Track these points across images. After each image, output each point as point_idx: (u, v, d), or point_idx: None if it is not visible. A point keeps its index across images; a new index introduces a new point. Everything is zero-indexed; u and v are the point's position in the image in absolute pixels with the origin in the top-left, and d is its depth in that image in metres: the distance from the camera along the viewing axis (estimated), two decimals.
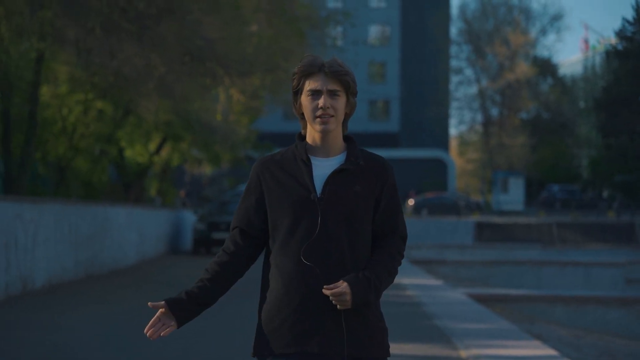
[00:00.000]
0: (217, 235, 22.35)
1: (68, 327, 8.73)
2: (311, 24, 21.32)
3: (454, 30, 61.08)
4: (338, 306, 2.57)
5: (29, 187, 16.65)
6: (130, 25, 12.72)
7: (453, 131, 69.92)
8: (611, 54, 50.41)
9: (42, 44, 12.89)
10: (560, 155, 60.04)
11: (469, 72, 59.61)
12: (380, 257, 2.67)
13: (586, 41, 77.49)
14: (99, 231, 16.04)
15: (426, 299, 12.42)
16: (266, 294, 2.69)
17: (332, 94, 2.66)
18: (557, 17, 60.85)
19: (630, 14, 52.84)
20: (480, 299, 13.73)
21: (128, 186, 23.95)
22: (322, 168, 2.68)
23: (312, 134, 2.71)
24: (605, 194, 56.01)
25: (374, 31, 61.26)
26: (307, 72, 2.67)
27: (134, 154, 24.11)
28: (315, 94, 2.67)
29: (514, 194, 49.82)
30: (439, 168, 57.22)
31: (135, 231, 19.26)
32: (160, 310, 2.66)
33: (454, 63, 59.98)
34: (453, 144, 69.69)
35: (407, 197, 48.67)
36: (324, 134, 2.68)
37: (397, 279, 15.34)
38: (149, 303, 2.67)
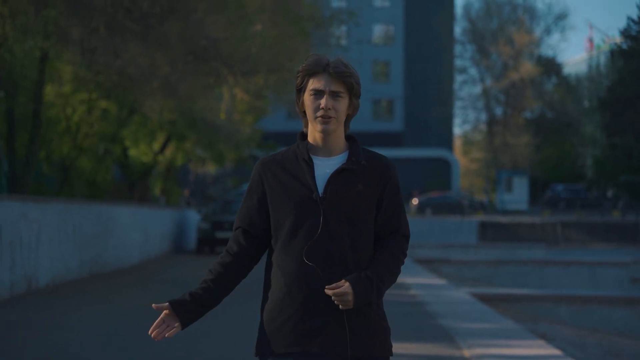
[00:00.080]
0: (221, 234, 22.36)
1: (70, 326, 8.74)
2: (315, 24, 21.32)
3: (458, 29, 61.05)
4: (340, 306, 2.58)
5: (33, 187, 16.67)
6: (134, 24, 12.73)
7: (457, 130, 70.00)
8: (616, 53, 50.33)
9: (46, 43, 12.91)
10: (565, 155, 59.96)
11: (473, 71, 59.56)
12: (383, 256, 2.67)
13: (591, 40, 77.37)
14: (103, 230, 16.06)
15: (430, 298, 12.41)
16: (268, 294, 2.69)
17: (334, 95, 2.66)
18: (561, 17, 60.77)
19: (635, 13, 52.71)
20: (484, 299, 13.72)
21: (132, 185, 23.98)
22: (324, 167, 2.67)
23: (314, 134, 2.71)
24: (609, 193, 55.92)
25: (378, 30, 61.24)
26: (312, 71, 2.67)
27: (138, 153, 24.14)
28: (317, 93, 2.67)
29: (518, 194, 49.76)
30: (443, 167, 57.18)
31: (139, 230, 19.28)
32: (165, 311, 2.66)
33: (458, 62, 59.93)
34: (457, 143, 69.64)
35: (411, 196, 48.65)
36: (324, 134, 2.68)
37: (401, 278, 15.32)
38: (153, 305, 2.67)
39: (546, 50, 62.64)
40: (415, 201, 46.05)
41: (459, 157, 64.48)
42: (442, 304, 11.56)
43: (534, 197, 56.33)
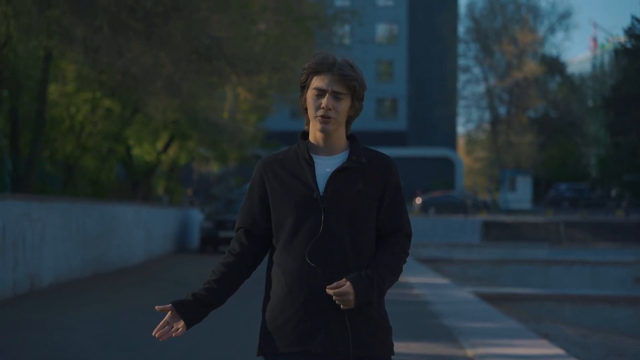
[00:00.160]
0: (224, 233, 22.37)
1: (71, 326, 8.73)
2: (319, 23, 21.31)
3: (461, 28, 61.01)
4: (341, 306, 2.58)
5: (37, 186, 16.69)
6: (138, 23, 12.74)
7: (461, 130, 69.84)
8: (620, 52, 50.25)
9: (50, 42, 12.92)
10: (569, 154, 59.89)
11: (476, 70, 59.50)
12: (384, 256, 2.67)
13: (595, 39, 77.27)
14: (107, 230, 16.08)
15: (433, 297, 12.41)
16: (270, 293, 2.69)
17: (336, 95, 2.66)
18: (565, 15, 60.69)
19: (639, 12, 52.51)
20: (487, 298, 13.71)
21: (136, 184, 24.00)
22: (325, 166, 2.68)
23: (315, 133, 2.71)
24: (613, 192, 55.85)
25: (382, 30, 61.21)
26: (317, 70, 2.68)
27: (142, 152, 24.17)
28: (320, 92, 2.67)
29: (521, 193, 49.73)
30: (447, 167, 57.15)
31: (142, 230, 19.30)
32: (168, 313, 2.66)
33: (461, 61, 59.88)
34: (461, 142, 69.59)
35: (414, 196, 48.63)
36: (324, 133, 2.68)
37: (404, 278, 15.32)
38: (156, 307, 2.67)
39: (550, 49, 62.62)
40: (418, 200, 46.04)
41: (463, 156, 64.43)
42: (445, 304, 11.56)
43: (538, 196, 56.28)
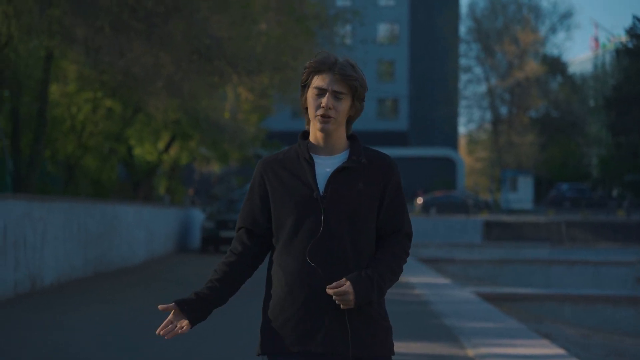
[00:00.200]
0: (225, 233, 22.38)
1: (71, 326, 8.72)
2: (320, 23, 21.31)
3: (463, 28, 60.99)
4: (341, 306, 2.57)
5: (38, 186, 16.70)
6: (139, 24, 12.74)
7: (462, 130, 69.90)
8: (621, 52, 50.23)
9: (51, 42, 12.92)
10: (570, 154, 59.87)
11: (478, 70, 59.49)
12: (384, 255, 2.66)
13: (596, 39, 77.23)
14: (108, 229, 16.08)
15: (434, 297, 12.40)
16: (270, 293, 2.69)
17: (336, 95, 2.66)
18: (566, 15, 60.66)
19: None
20: (489, 298, 13.70)
21: (137, 184, 24.01)
22: (325, 166, 2.67)
23: (315, 132, 2.71)
24: (615, 192, 55.82)
25: (383, 29, 61.20)
26: (317, 69, 2.67)
27: (143, 152, 24.17)
28: (320, 92, 2.67)
29: (523, 193, 49.72)
30: (448, 167, 57.13)
31: (143, 229, 19.31)
32: (172, 312, 2.66)
33: (463, 61, 59.86)
34: (462, 142, 69.58)
35: (415, 196, 48.63)
36: (324, 133, 2.68)
37: (405, 278, 15.32)
38: (159, 306, 2.67)
39: (551, 49, 62.60)
40: (420, 200, 46.02)
41: (464, 156, 64.42)
42: (446, 303, 11.56)
43: (539, 196, 56.25)
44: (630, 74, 47.81)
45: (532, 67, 56.26)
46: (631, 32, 48.54)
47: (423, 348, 7.69)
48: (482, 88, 59.27)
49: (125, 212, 17.69)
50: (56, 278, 12.94)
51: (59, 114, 18.35)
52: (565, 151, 59.37)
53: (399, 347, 7.38)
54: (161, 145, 24.38)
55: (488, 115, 59.58)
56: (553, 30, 60.46)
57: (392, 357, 2.71)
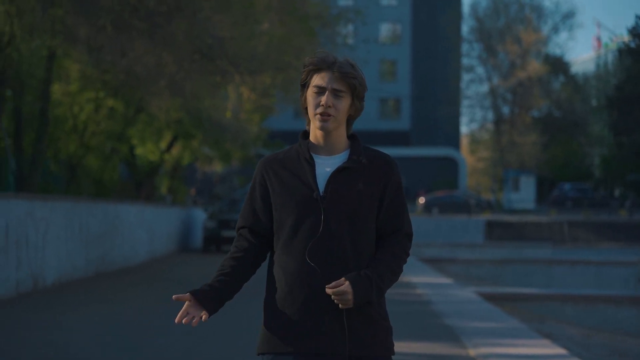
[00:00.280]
0: (227, 233, 22.39)
1: (71, 326, 8.69)
2: (322, 23, 21.32)
3: (465, 28, 60.95)
4: (340, 305, 2.58)
5: (41, 185, 16.72)
6: (141, 23, 12.75)
7: (464, 129, 69.93)
8: (624, 51, 50.18)
9: (53, 41, 12.94)
10: (572, 154, 59.82)
11: (480, 70, 59.45)
12: (384, 255, 2.66)
13: (598, 39, 77.16)
14: (110, 229, 16.09)
15: (435, 297, 12.40)
16: (270, 293, 2.69)
17: (336, 93, 2.66)
18: (569, 15, 60.63)
19: None
20: (490, 298, 13.70)
21: (139, 184, 24.03)
22: (325, 166, 2.68)
23: (315, 132, 2.71)
24: (617, 192, 55.78)
25: (385, 29, 61.19)
26: (317, 68, 2.68)
27: (145, 152, 24.19)
28: (319, 90, 2.67)
29: (525, 193, 49.68)
30: (450, 166, 57.11)
31: (145, 229, 19.32)
32: (186, 303, 2.63)
33: (465, 61, 59.83)
34: (464, 142, 69.54)
35: (417, 195, 48.62)
36: (324, 132, 2.68)
37: (407, 277, 15.32)
38: (173, 296, 2.63)
39: (554, 49, 62.55)
40: (422, 200, 46.02)
41: (466, 156, 64.39)
42: (448, 303, 11.55)
43: (541, 196, 56.22)
44: (633, 74, 47.76)
45: (535, 66, 56.22)
46: (634, 31, 48.49)
47: (424, 348, 7.69)
48: (484, 88, 59.26)
49: (127, 211, 17.70)
50: (58, 277, 12.95)
51: (61, 114, 18.37)
52: (568, 151, 59.33)
53: (401, 346, 7.38)
54: (163, 144, 24.39)
55: (490, 115, 59.56)
56: (555, 29, 60.43)
57: (392, 357, 2.71)
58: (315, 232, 2.61)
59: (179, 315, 2.62)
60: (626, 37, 51.34)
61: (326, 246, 2.61)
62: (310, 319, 2.60)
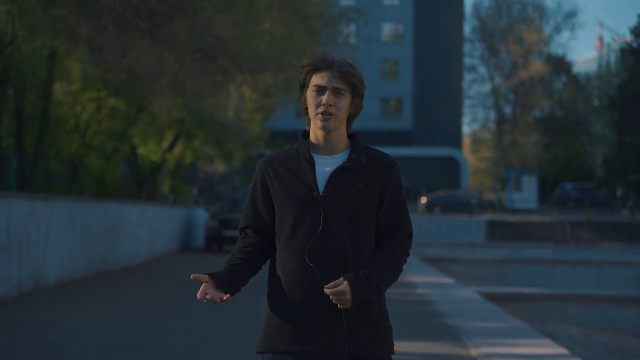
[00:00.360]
0: (228, 232, 22.40)
1: (74, 326, 8.68)
2: (324, 22, 21.29)
3: (467, 28, 60.96)
4: (338, 305, 2.57)
5: (42, 185, 16.73)
6: (142, 22, 12.75)
7: (466, 129, 69.90)
8: (626, 51, 50.16)
9: (55, 41, 12.95)
10: (574, 154, 59.79)
11: (482, 70, 59.46)
12: (383, 255, 2.66)
13: (601, 39, 77.10)
14: (112, 228, 16.10)
15: (437, 297, 12.39)
16: (271, 292, 2.70)
17: (336, 92, 2.66)
18: (571, 15, 60.62)
19: None
20: (492, 298, 13.69)
21: (141, 184, 24.04)
22: (325, 166, 2.68)
23: (315, 131, 2.71)
24: (619, 192, 55.73)
25: (387, 29, 61.18)
26: (316, 68, 2.68)
27: (147, 151, 24.20)
28: (320, 90, 2.67)
29: (527, 192, 49.65)
30: (452, 166, 57.11)
31: (147, 228, 19.33)
32: (203, 284, 2.61)
33: (467, 61, 59.83)
34: (466, 142, 69.54)
35: (419, 195, 48.62)
36: (325, 131, 2.68)
37: (409, 277, 15.32)
38: (191, 276, 2.61)
39: (556, 49, 62.61)
40: (423, 200, 46.02)
41: (468, 155, 64.38)
42: (450, 303, 11.55)
43: (543, 196, 56.19)
44: (635, 74, 47.74)
45: (537, 66, 56.21)
46: (636, 31, 48.45)
47: (426, 347, 7.69)
48: (486, 87, 59.28)
49: (129, 211, 17.71)
50: (59, 277, 12.96)
51: (63, 113, 18.38)
52: (570, 151, 59.30)
53: (402, 346, 7.37)
54: (165, 144, 24.40)
55: (492, 115, 59.56)
56: (557, 29, 60.41)
57: (392, 356, 2.71)
58: (315, 232, 2.61)
59: (199, 292, 2.59)
60: (628, 37, 51.31)
61: (326, 246, 2.61)
62: (310, 318, 2.60)
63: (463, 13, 63.15)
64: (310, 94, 2.69)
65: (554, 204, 49.31)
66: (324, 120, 2.66)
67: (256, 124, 25.70)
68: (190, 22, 13.35)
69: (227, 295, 2.59)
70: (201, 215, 26.46)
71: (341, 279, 2.57)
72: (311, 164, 2.67)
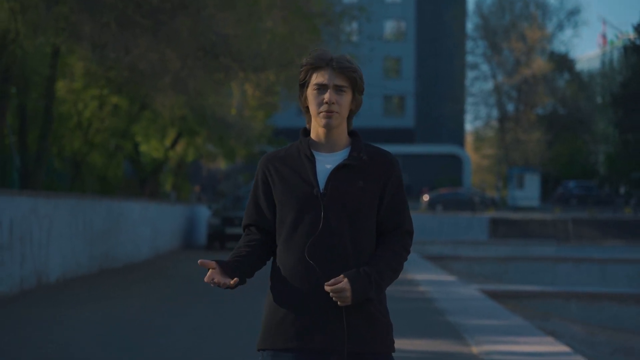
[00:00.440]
0: (231, 230, 22.41)
1: (74, 325, 8.65)
2: (326, 20, 21.27)
3: (470, 25, 60.85)
4: (339, 303, 2.58)
5: (45, 182, 16.75)
6: (144, 20, 12.76)
7: (468, 127, 69.75)
8: (629, 49, 50.07)
9: (57, 39, 12.96)
10: (577, 151, 59.72)
11: (485, 67, 59.35)
12: (384, 253, 2.66)
13: (604, 36, 76.96)
14: (114, 226, 16.12)
15: (439, 294, 12.39)
16: (272, 289, 2.70)
17: (338, 89, 2.66)
18: (574, 12, 60.45)
19: None
20: (494, 295, 13.68)
21: (143, 181, 24.06)
22: (326, 163, 2.68)
23: (316, 129, 2.71)
24: (622, 190, 55.65)
25: (390, 26, 61.13)
26: (315, 66, 2.68)
27: (149, 149, 24.21)
28: (321, 88, 2.67)
29: (529, 190, 49.60)
30: (455, 164, 57.07)
31: (149, 226, 19.35)
32: (211, 269, 2.60)
33: (469, 58, 59.72)
34: (468, 139, 69.46)
35: (421, 193, 48.59)
36: (328, 129, 2.68)
37: (410, 275, 15.31)
38: (199, 261, 2.61)
39: (558, 46, 62.56)
40: (426, 197, 45.99)
41: (471, 153, 64.32)
42: (451, 301, 11.55)
43: (546, 193, 56.14)
44: (638, 71, 47.66)
45: (539, 64, 56.10)
46: (639, 28, 48.36)
47: (427, 345, 7.69)
48: (489, 85, 59.16)
49: (131, 208, 17.72)
50: (62, 274, 12.98)
51: (66, 111, 18.40)
52: (572, 148, 59.22)
53: (404, 344, 7.37)
54: (167, 141, 24.41)
55: (495, 113, 59.46)
56: (560, 27, 60.27)
57: (393, 354, 2.71)
58: (315, 229, 2.62)
59: (207, 276, 2.59)
60: (632, 35, 51.21)
61: (326, 243, 2.61)
62: (310, 315, 2.60)
63: (465, 10, 63.07)
64: (311, 92, 2.69)
65: (557, 202, 49.26)
66: (327, 118, 2.66)
67: (259, 122, 25.70)
68: (192, 19, 13.35)
69: (235, 279, 2.58)
70: (203, 213, 26.48)
71: (341, 276, 2.57)
72: (312, 161, 2.68)
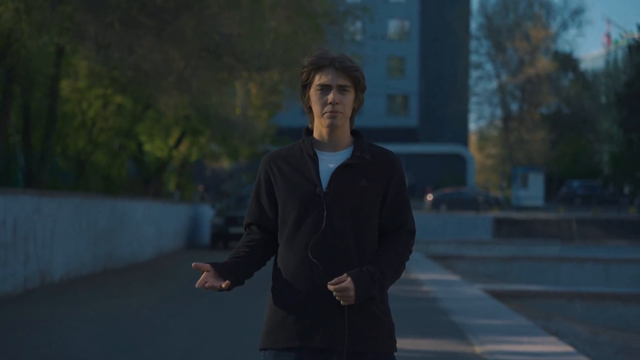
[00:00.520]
0: (234, 229, 22.43)
1: (74, 325, 8.66)
2: (330, 19, 21.26)
3: (474, 25, 60.78)
4: (342, 302, 2.58)
5: (49, 181, 16.76)
6: (148, 20, 12.77)
7: (472, 126, 69.78)
8: (633, 48, 50.01)
9: (62, 38, 12.97)
10: (581, 151, 59.64)
11: (488, 67, 59.28)
12: (386, 252, 2.67)
13: (608, 35, 76.84)
14: (118, 225, 16.14)
15: (442, 294, 12.39)
16: (274, 288, 2.70)
17: (341, 89, 2.67)
18: (578, 11, 60.34)
19: None
20: (498, 295, 13.68)
21: (147, 181, 24.08)
22: (328, 162, 2.68)
23: (320, 129, 2.72)
24: (626, 189, 55.57)
25: (393, 26, 61.11)
26: (317, 66, 2.68)
27: (153, 148, 24.24)
28: (324, 88, 2.67)
29: (533, 190, 49.55)
30: (458, 163, 57.04)
31: (153, 226, 19.37)
32: (205, 272, 2.62)
33: (473, 58, 59.66)
34: (472, 139, 69.41)
35: (425, 192, 48.57)
36: (331, 129, 2.68)
37: (414, 274, 15.31)
38: (193, 264, 2.63)
39: (563, 46, 62.51)
40: (429, 197, 45.98)
41: (474, 153, 64.28)
42: (455, 300, 11.54)
43: (550, 193, 56.08)
44: None
45: (543, 63, 56.03)
46: None
47: (431, 345, 7.69)
48: (493, 84, 59.09)
49: (135, 208, 17.74)
50: (65, 273, 13.00)
51: (70, 110, 18.42)
52: (576, 148, 59.14)
53: (407, 343, 7.38)
54: (171, 141, 24.43)
55: (499, 112, 59.38)
56: (564, 26, 60.18)
57: (395, 353, 2.71)
58: (318, 228, 2.62)
59: (198, 281, 2.60)
60: (636, 34, 51.14)
61: (329, 242, 2.62)
62: (312, 314, 2.61)
63: (469, 10, 63.03)
64: (314, 93, 2.69)
65: (561, 202, 49.19)
66: (332, 118, 2.66)
67: (262, 121, 25.71)
68: (196, 19, 13.36)
69: (227, 282, 2.59)
70: (207, 213, 26.50)
71: (344, 275, 2.57)
72: (314, 160, 2.68)
